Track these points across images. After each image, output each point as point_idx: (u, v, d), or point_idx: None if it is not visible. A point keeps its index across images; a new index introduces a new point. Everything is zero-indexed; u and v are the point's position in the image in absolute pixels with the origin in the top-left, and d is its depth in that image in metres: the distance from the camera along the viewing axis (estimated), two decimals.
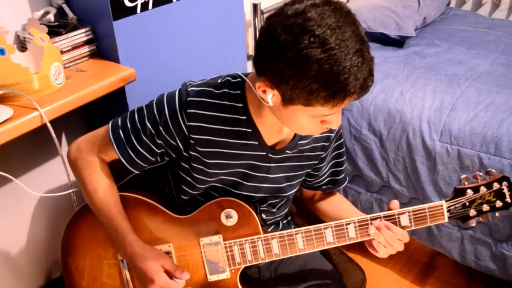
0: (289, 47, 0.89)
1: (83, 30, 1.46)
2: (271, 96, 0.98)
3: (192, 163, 1.15)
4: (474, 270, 1.95)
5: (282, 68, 0.91)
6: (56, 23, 1.44)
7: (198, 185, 1.19)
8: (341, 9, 0.92)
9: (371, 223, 1.13)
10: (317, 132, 1.08)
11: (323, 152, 1.25)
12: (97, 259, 1.25)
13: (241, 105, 1.10)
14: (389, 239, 1.10)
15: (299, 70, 0.89)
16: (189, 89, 1.11)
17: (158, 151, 1.14)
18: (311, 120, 1.00)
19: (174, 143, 1.12)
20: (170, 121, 1.09)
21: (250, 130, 1.12)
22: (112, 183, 1.19)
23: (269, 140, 1.15)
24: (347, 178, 1.38)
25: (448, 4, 3.09)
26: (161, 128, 1.10)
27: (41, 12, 1.46)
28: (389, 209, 1.14)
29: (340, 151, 1.30)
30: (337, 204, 1.34)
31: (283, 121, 1.05)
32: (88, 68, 1.47)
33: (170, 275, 1.13)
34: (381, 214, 1.13)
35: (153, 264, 1.12)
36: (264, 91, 0.98)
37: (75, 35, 1.45)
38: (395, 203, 1.14)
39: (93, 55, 1.52)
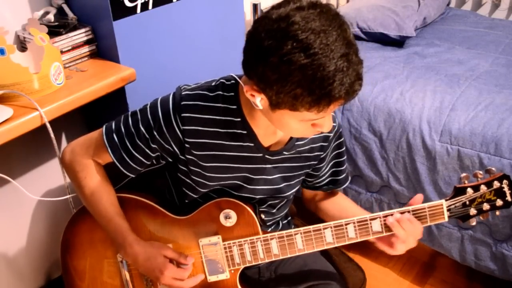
0: (272, 52, 0.88)
1: (83, 30, 1.46)
2: (260, 100, 0.98)
3: (190, 166, 1.15)
4: (474, 270, 1.95)
5: (266, 73, 0.91)
6: (56, 23, 1.44)
7: (198, 188, 1.19)
8: (328, 12, 0.91)
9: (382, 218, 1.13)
10: (309, 135, 1.08)
11: (322, 152, 1.24)
12: (97, 259, 1.25)
13: (235, 107, 1.09)
14: (410, 232, 1.11)
15: (282, 75, 0.89)
16: (183, 93, 1.10)
17: (153, 155, 1.14)
18: (301, 124, 1.00)
19: (169, 148, 1.12)
20: (164, 125, 1.09)
21: (245, 132, 1.11)
22: (108, 184, 1.19)
23: (265, 142, 1.14)
24: (349, 178, 1.37)
25: (448, 4, 3.09)
26: (155, 133, 1.10)
27: (41, 12, 1.46)
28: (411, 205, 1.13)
29: (340, 150, 1.29)
30: (341, 203, 1.33)
31: (274, 124, 1.05)
32: (88, 68, 1.47)
33: (175, 264, 1.14)
34: (381, 214, 1.13)
35: (157, 258, 1.12)
36: (253, 95, 0.98)
37: (75, 35, 1.45)
38: (418, 198, 1.14)
39: (93, 55, 1.52)
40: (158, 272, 1.12)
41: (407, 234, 1.11)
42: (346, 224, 1.14)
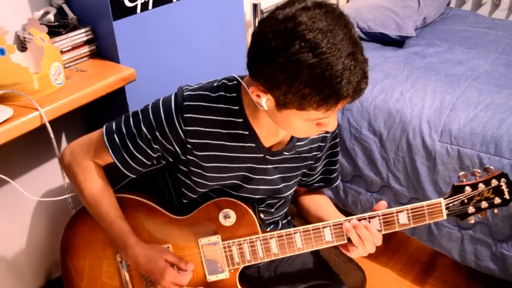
0: (280, 52, 0.89)
1: (83, 30, 1.47)
2: (265, 100, 0.98)
3: (190, 167, 1.15)
4: (474, 270, 1.95)
5: (273, 74, 0.91)
6: (56, 23, 1.45)
7: (197, 189, 1.19)
8: (333, 11, 0.91)
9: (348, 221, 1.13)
10: (313, 134, 1.08)
11: (319, 152, 1.25)
12: (96, 259, 1.25)
13: (237, 107, 1.09)
14: (364, 238, 1.11)
15: (290, 75, 0.89)
16: (185, 93, 1.10)
17: (155, 155, 1.14)
18: (307, 123, 1.00)
19: (171, 148, 1.12)
20: (167, 126, 1.09)
21: (247, 133, 1.11)
22: (108, 186, 1.19)
23: (267, 142, 1.14)
24: (339, 177, 1.38)
25: (448, 4, 3.09)
26: (157, 133, 1.10)
27: (41, 12, 1.46)
28: (375, 210, 1.13)
29: (335, 150, 1.30)
30: (319, 203, 1.33)
31: (279, 124, 1.05)
32: (88, 68, 1.47)
33: (176, 268, 1.15)
34: (380, 212, 1.13)
35: (158, 262, 1.13)
36: (258, 96, 0.98)
37: (75, 35, 1.45)
38: (382, 204, 1.14)
39: (93, 55, 1.53)
40: (159, 276, 1.13)
41: (360, 240, 1.11)
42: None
